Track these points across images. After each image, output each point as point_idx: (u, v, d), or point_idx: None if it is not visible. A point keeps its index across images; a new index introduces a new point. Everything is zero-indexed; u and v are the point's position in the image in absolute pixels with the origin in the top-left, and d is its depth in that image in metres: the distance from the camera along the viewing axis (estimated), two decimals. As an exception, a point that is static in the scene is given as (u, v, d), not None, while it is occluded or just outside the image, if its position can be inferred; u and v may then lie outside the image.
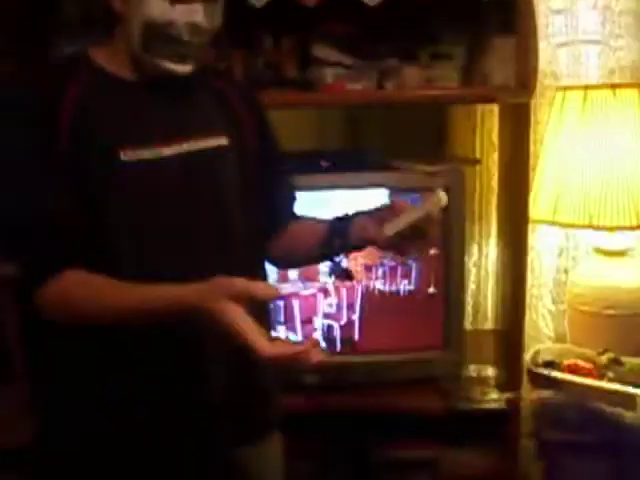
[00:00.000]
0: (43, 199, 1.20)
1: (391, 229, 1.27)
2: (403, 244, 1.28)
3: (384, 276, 2.02)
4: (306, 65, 2.05)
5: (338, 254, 1.48)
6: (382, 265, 2.01)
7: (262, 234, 1.47)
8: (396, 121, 2.27)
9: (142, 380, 1.27)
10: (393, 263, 2.00)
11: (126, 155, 1.21)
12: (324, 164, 1.97)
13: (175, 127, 1.27)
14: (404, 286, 2.03)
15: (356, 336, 2.04)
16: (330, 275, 1.52)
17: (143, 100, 1.27)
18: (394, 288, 2.03)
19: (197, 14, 1.21)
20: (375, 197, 1.87)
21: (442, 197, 1.27)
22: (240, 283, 1.09)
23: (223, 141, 1.34)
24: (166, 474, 1.32)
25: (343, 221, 1.40)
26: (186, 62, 1.25)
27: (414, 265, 2.02)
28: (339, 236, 1.38)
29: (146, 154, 1.23)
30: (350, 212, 1.41)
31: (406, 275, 2.03)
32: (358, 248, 1.45)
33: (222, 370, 1.34)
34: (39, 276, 1.21)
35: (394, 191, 1.93)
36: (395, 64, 2.04)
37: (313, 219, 1.52)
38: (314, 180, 1.89)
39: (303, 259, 1.56)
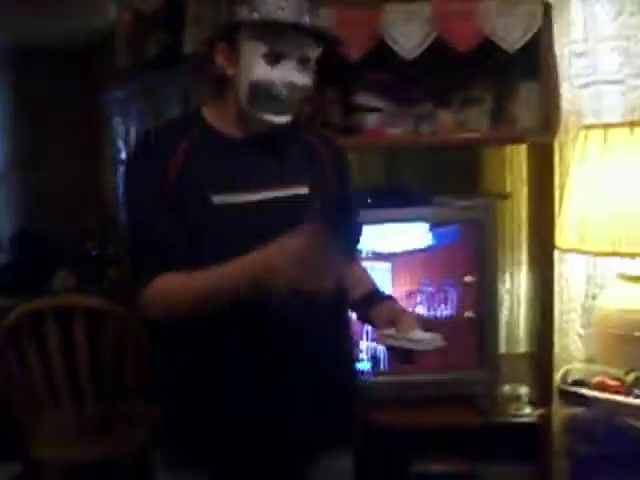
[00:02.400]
0: (152, 223, 1.46)
1: (384, 340, 1.52)
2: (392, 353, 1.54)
3: (423, 302, 2.20)
4: (349, 111, 2.27)
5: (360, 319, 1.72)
6: (422, 292, 2.19)
7: None
8: (432, 161, 2.47)
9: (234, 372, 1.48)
10: (432, 290, 2.18)
11: (217, 199, 1.46)
12: (370, 201, 2.18)
13: (264, 177, 1.50)
14: (441, 311, 2.21)
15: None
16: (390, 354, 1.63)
17: (240, 153, 1.51)
18: (432, 313, 2.20)
19: (292, 75, 1.45)
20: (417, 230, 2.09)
21: (432, 344, 1.49)
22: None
23: (304, 190, 1.55)
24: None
25: (372, 299, 1.63)
26: (282, 114, 1.48)
27: (451, 291, 2.20)
28: (362, 308, 1.64)
29: (234, 199, 1.46)
30: (382, 294, 1.67)
31: (445, 301, 2.21)
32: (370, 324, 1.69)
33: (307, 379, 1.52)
34: (142, 279, 1.45)
35: (432, 224, 2.13)
36: (430, 109, 2.24)
37: (364, 272, 1.75)
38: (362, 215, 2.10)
39: None
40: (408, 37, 2.07)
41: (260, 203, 1.48)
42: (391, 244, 2.15)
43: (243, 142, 1.52)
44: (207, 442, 1.51)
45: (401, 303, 2.13)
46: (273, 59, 1.44)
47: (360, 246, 1.79)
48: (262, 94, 1.45)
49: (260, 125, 1.49)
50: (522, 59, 2.16)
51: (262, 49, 1.43)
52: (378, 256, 2.17)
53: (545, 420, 2.19)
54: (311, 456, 1.58)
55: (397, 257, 2.18)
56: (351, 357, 1.72)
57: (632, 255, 2.16)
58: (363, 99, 2.27)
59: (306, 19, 1.43)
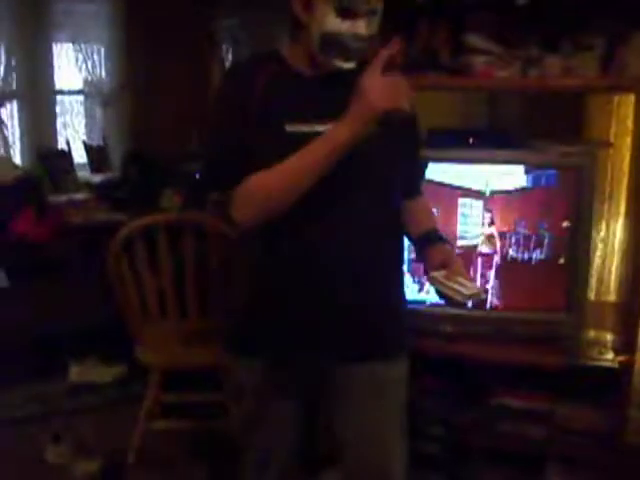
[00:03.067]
0: (232, 141, 1.65)
1: (432, 281, 1.64)
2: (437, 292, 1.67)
3: (517, 244, 2.26)
4: (458, 51, 2.30)
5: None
6: (517, 234, 2.26)
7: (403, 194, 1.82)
8: (538, 105, 2.49)
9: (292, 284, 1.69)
10: (527, 232, 2.24)
11: (290, 127, 1.62)
12: (471, 140, 2.23)
13: (331, 110, 1.61)
14: (536, 255, 2.27)
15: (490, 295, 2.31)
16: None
17: (311, 89, 1.67)
18: (526, 256, 2.27)
19: (360, 27, 1.58)
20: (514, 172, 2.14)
21: (473, 299, 1.61)
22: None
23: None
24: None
25: (428, 240, 1.76)
26: (350, 61, 1.62)
27: (547, 236, 2.25)
28: (419, 247, 1.78)
29: (304, 128, 1.62)
30: (440, 235, 1.78)
31: (539, 245, 2.26)
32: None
33: (355, 288, 1.68)
34: (231, 185, 1.63)
35: (531, 168, 2.17)
36: (538, 53, 2.25)
37: (426, 210, 1.87)
38: (462, 154, 2.17)
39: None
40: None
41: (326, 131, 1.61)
42: (490, 183, 2.22)
43: (314, 79, 1.66)
44: (265, 338, 1.74)
45: (497, 241, 2.25)
46: (342, 13, 1.56)
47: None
48: (331, 43, 1.59)
49: (329, 68, 1.63)
50: (636, 5, 2.13)
51: (333, 3, 1.56)
52: (476, 194, 2.24)
53: (627, 367, 2.24)
54: (362, 360, 1.73)
55: (495, 196, 2.24)
56: (401, 277, 1.85)
57: None
58: (473, 40, 2.30)
59: None
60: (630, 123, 2.49)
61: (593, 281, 2.67)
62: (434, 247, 1.73)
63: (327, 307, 1.68)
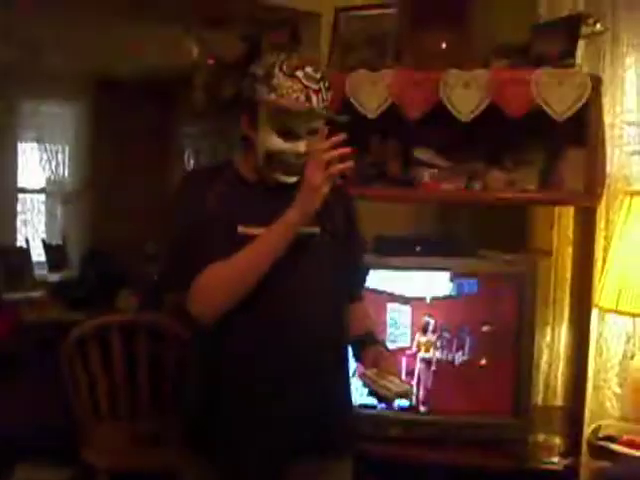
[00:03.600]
0: (189, 242, 1.74)
1: (363, 378, 1.71)
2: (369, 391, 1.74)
3: (466, 347, 2.33)
4: (407, 165, 2.44)
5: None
6: (462, 338, 2.33)
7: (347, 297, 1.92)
8: (483, 216, 2.62)
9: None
10: (472, 336, 2.32)
11: (241, 229, 1.72)
12: (418, 248, 2.34)
13: (276, 217, 1.71)
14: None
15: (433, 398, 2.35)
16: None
17: (260, 196, 1.78)
18: (471, 358, 2.33)
19: (300, 147, 1.70)
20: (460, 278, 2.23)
21: (401, 399, 1.70)
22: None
23: (315, 230, 1.78)
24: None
25: (363, 342, 1.85)
26: (292, 175, 1.74)
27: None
28: (355, 349, 1.88)
29: (254, 231, 1.72)
30: (376, 337, 1.88)
31: (484, 349, 2.33)
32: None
33: (306, 387, 1.74)
34: (186, 281, 1.70)
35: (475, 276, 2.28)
36: (482, 168, 2.40)
37: (365, 315, 1.96)
38: (407, 262, 2.27)
39: None
40: (465, 101, 2.24)
41: None
42: (433, 289, 2.31)
43: (262, 188, 1.79)
44: (220, 437, 1.77)
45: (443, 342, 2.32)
46: (284, 134, 1.69)
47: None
48: (274, 160, 1.72)
49: (273, 181, 1.76)
50: (572, 125, 2.29)
51: (275, 125, 1.69)
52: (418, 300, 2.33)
53: (573, 471, 2.28)
54: (313, 459, 1.77)
55: (438, 301, 2.33)
56: (347, 377, 1.90)
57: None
58: (421, 154, 2.44)
59: (314, 101, 1.68)
60: (570, 233, 2.62)
61: (540, 386, 2.73)
62: (368, 348, 1.82)
63: (279, 406, 1.73)
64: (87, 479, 2.90)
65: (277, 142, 1.70)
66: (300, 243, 1.73)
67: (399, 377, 1.74)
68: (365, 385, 1.71)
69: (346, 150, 1.60)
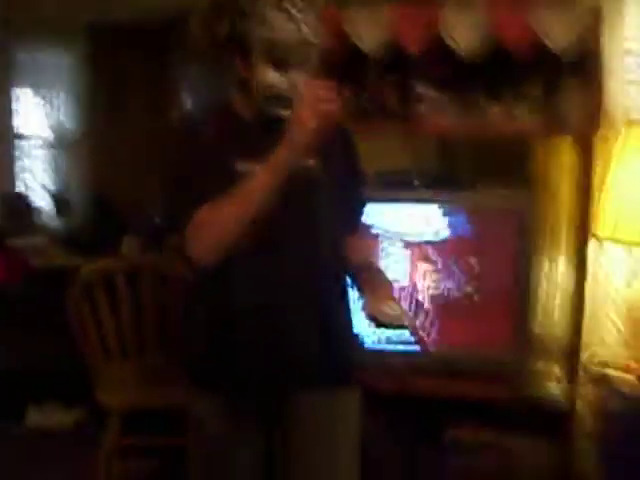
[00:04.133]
0: (189, 179, 1.75)
1: (365, 308, 1.72)
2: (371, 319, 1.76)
3: (466, 279, 2.38)
4: (406, 100, 2.44)
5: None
6: (462, 270, 2.37)
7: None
8: (482, 150, 2.63)
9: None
10: (473, 268, 2.36)
11: (240, 166, 1.73)
12: (416, 182, 2.36)
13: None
14: (480, 290, 2.39)
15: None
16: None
17: (258, 132, 1.77)
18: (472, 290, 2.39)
19: (297, 78, 1.69)
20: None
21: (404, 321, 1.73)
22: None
23: (312, 163, 1.79)
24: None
25: (362, 271, 1.85)
26: (289, 109, 1.69)
27: (489, 273, 2.37)
28: (355, 278, 1.87)
29: (252, 167, 1.71)
30: (372, 264, 1.90)
31: (483, 280, 2.38)
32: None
33: (309, 318, 1.78)
34: (186, 221, 1.71)
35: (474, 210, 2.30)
36: (482, 102, 2.40)
37: (361, 245, 1.96)
38: (406, 194, 2.30)
39: None
40: (465, 37, 2.23)
41: None
42: (434, 224, 2.34)
43: (260, 124, 1.78)
44: (224, 370, 1.81)
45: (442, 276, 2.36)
46: (279, 66, 1.69)
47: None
48: (271, 95, 1.71)
49: (272, 117, 1.74)
50: (571, 58, 2.29)
51: (269, 59, 1.68)
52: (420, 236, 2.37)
53: (570, 397, 2.35)
54: (319, 389, 1.81)
55: (439, 237, 2.36)
56: (349, 308, 1.93)
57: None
58: (419, 89, 2.44)
59: (304, 31, 1.67)
60: (569, 166, 2.63)
61: (539, 316, 2.78)
62: (367, 276, 1.83)
63: (282, 335, 1.77)
64: (100, 420, 2.98)
65: (273, 77, 1.70)
66: (296, 177, 1.72)
67: (398, 303, 1.76)
68: (362, 309, 1.74)
69: (333, 94, 1.57)
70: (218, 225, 1.71)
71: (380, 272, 1.90)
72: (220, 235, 1.71)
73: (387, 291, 1.80)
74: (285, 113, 1.72)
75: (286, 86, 1.70)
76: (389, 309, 1.70)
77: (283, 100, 1.71)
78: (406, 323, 1.73)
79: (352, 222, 1.98)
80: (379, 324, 1.72)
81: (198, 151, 1.75)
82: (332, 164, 1.84)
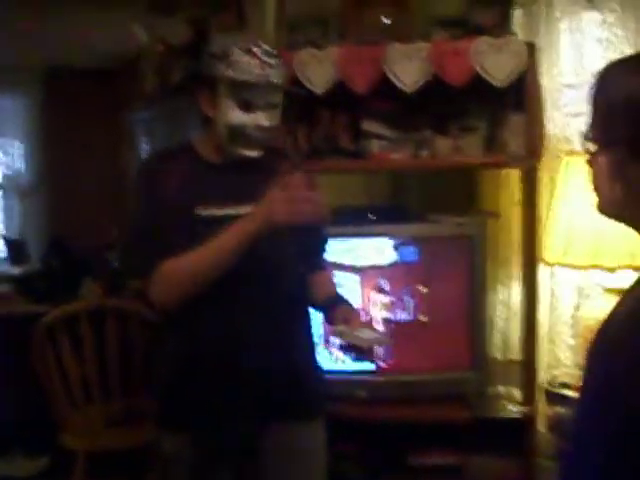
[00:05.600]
0: (151, 225, 1.80)
1: (339, 335, 1.80)
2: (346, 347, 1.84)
3: (425, 307, 2.44)
4: (357, 137, 2.52)
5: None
6: (418, 298, 2.44)
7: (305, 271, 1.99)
8: (432, 182, 2.72)
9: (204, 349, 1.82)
10: (429, 296, 2.42)
11: (202, 211, 1.78)
12: (371, 217, 2.43)
13: (239, 195, 1.81)
14: (438, 317, 2.44)
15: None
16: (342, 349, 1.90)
17: (220, 175, 1.83)
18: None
19: (261, 119, 1.78)
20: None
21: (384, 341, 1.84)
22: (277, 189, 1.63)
23: None
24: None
25: (331, 305, 1.92)
26: (254, 149, 1.81)
27: (447, 300, 2.44)
28: (326, 312, 1.94)
29: (216, 211, 1.79)
30: (342, 297, 1.96)
31: (443, 308, 2.44)
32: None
33: (269, 356, 1.82)
34: (147, 272, 1.76)
35: (427, 240, 2.38)
36: (429, 136, 2.50)
37: (328, 281, 2.06)
38: (362, 229, 2.37)
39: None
40: (408, 73, 2.33)
41: (233, 215, 1.77)
42: (387, 255, 2.41)
43: (223, 166, 1.84)
44: (191, 410, 1.85)
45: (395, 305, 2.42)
46: (244, 107, 1.76)
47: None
48: (236, 134, 1.78)
49: (235, 156, 1.81)
50: (512, 91, 2.40)
51: (235, 99, 1.75)
52: (373, 267, 2.42)
53: (530, 417, 2.41)
54: (286, 422, 1.86)
55: (393, 267, 2.43)
56: (311, 343, 2.00)
57: (611, 269, 2.38)
58: (370, 126, 2.52)
59: (271, 75, 1.75)
60: (516, 195, 2.73)
61: (498, 341, 2.86)
62: (337, 308, 1.89)
63: (249, 370, 1.80)
64: (66, 464, 2.96)
65: (238, 115, 1.76)
66: None
67: (370, 328, 1.85)
68: (340, 338, 1.80)
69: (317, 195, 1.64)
70: (184, 278, 1.75)
71: (348, 302, 1.96)
72: (186, 287, 1.76)
73: (358, 319, 1.85)
74: (249, 153, 1.79)
75: (252, 127, 1.76)
76: (365, 335, 1.76)
77: (248, 140, 1.77)
78: (382, 344, 1.79)
79: (316, 260, 2.04)
80: (356, 349, 1.78)
81: (160, 197, 1.78)
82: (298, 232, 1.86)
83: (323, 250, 2.07)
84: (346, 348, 1.81)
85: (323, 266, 2.07)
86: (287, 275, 1.87)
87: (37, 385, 2.84)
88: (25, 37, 4.48)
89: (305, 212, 1.62)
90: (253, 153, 1.80)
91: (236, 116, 1.76)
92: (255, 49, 1.74)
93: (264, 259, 1.78)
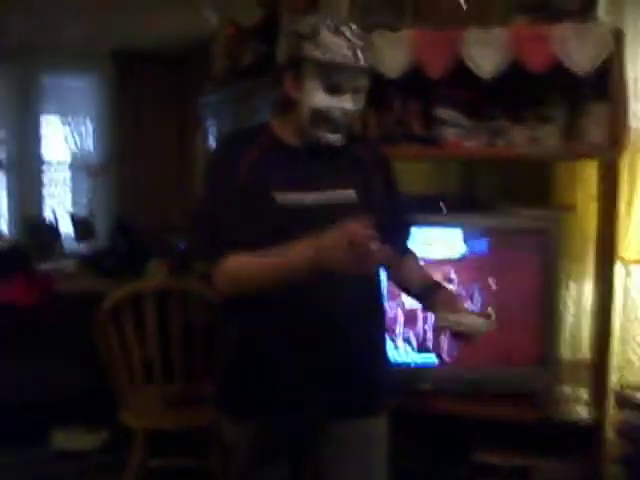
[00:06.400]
0: (220, 213, 1.75)
1: (444, 323, 1.74)
2: (451, 335, 1.78)
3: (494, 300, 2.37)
4: (430, 124, 2.46)
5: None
6: (489, 291, 2.37)
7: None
8: (507, 173, 2.64)
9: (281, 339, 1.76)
10: (499, 289, 2.35)
11: (279, 197, 1.73)
12: (443, 206, 2.37)
13: (318, 181, 1.77)
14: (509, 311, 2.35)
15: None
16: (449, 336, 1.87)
17: (299, 160, 1.79)
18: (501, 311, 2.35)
19: (347, 102, 1.72)
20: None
21: (488, 325, 1.74)
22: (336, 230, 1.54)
23: (351, 194, 1.81)
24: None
25: (431, 290, 1.86)
26: (338, 133, 1.75)
27: (516, 294, 2.35)
28: (425, 299, 1.88)
29: (293, 197, 1.74)
30: (439, 284, 1.90)
31: (512, 301, 2.36)
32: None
33: (341, 349, 1.77)
34: (214, 260, 1.72)
35: (499, 233, 2.30)
36: (505, 125, 2.41)
37: (421, 267, 1.99)
38: (433, 219, 2.30)
39: (403, 289, 2.03)
40: (486, 59, 2.25)
41: (314, 202, 1.74)
42: (458, 247, 2.34)
43: (302, 151, 1.79)
44: (256, 400, 1.80)
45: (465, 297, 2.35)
46: (331, 90, 1.70)
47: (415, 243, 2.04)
48: (320, 117, 1.72)
49: (317, 140, 1.76)
50: (594, 80, 2.30)
51: (322, 81, 1.70)
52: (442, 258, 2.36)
53: (599, 421, 2.32)
54: (349, 418, 1.81)
55: (463, 259, 2.36)
56: (383, 339, 1.95)
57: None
58: (443, 113, 2.45)
59: (360, 58, 1.68)
60: (594, 188, 2.63)
61: (567, 339, 2.77)
62: (436, 294, 1.84)
63: (314, 367, 1.76)
64: (125, 442, 2.99)
65: (324, 99, 1.70)
66: (337, 209, 1.74)
67: (471, 313, 1.81)
68: (447, 325, 1.75)
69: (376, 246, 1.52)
70: (240, 283, 1.71)
71: (446, 288, 1.91)
72: (246, 289, 1.72)
73: (459, 304, 1.81)
74: (333, 138, 1.74)
75: (337, 110, 1.71)
76: (470, 320, 1.72)
77: (332, 124, 1.72)
78: (483, 330, 1.74)
79: (405, 245, 1.98)
80: (462, 336, 1.74)
81: (234, 180, 1.73)
82: (372, 192, 1.84)
83: (409, 236, 2.00)
84: (452, 335, 1.76)
85: (412, 252, 2.00)
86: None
87: (100, 361, 2.87)
88: (96, 20, 4.54)
89: (362, 267, 1.53)
90: (336, 137, 1.75)
91: (321, 99, 1.70)
92: (344, 29, 1.68)
93: None
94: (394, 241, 1.91)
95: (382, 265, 1.73)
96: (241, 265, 1.69)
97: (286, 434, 1.82)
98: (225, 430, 1.89)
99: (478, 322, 1.74)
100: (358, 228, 1.51)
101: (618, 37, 2.24)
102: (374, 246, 1.50)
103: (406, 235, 1.99)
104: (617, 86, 2.26)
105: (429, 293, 1.85)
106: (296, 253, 1.60)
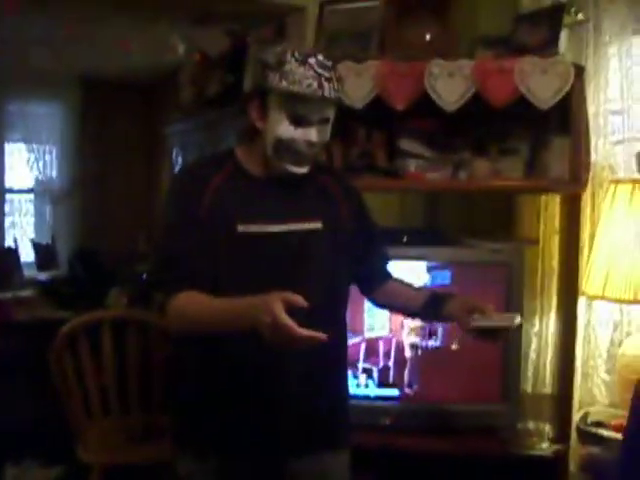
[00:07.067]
0: (179, 245, 1.71)
1: (476, 323, 1.74)
2: (480, 335, 1.77)
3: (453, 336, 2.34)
4: (394, 155, 2.45)
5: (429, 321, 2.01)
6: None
7: (363, 289, 1.97)
8: (470, 205, 2.63)
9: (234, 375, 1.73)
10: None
11: (241, 228, 1.70)
12: (405, 239, 2.35)
13: (282, 212, 1.74)
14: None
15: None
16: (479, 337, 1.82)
17: (263, 190, 1.76)
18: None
19: (312, 134, 1.70)
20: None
21: (519, 319, 1.76)
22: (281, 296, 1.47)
23: (318, 225, 1.78)
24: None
25: (439, 299, 1.85)
26: (302, 165, 1.73)
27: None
28: (433, 309, 1.86)
29: (255, 228, 1.71)
30: (445, 291, 1.90)
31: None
32: (445, 321, 1.95)
33: (304, 384, 1.74)
34: (167, 294, 1.68)
35: (463, 265, 2.28)
36: (468, 157, 2.41)
37: (410, 285, 1.98)
38: (396, 252, 2.28)
39: (399, 311, 2.04)
40: (450, 91, 2.25)
41: (277, 234, 1.72)
42: (419, 280, 2.31)
43: (267, 181, 1.76)
44: (216, 436, 1.76)
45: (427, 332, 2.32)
46: (296, 121, 1.68)
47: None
48: (284, 149, 1.70)
49: (281, 171, 1.74)
50: (556, 114, 2.31)
51: (287, 112, 1.67)
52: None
53: (562, 456, 2.30)
54: (310, 453, 1.79)
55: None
56: (345, 372, 1.93)
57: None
58: (407, 145, 2.45)
59: (326, 89, 1.66)
60: (557, 222, 2.64)
61: (530, 374, 2.76)
62: (449, 302, 1.82)
63: (274, 403, 1.73)
64: (79, 476, 2.90)
65: (288, 130, 1.68)
66: (302, 239, 1.73)
67: (499, 311, 1.80)
68: (480, 329, 1.74)
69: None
70: (186, 324, 1.67)
71: (453, 293, 1.90)
72: (191, 330, 1.68)
73: (479, 303, 1.78)
74: (297, 170, 1.72)
75: (301, 142, 1.69)
76: (501, 318, 1.74)
77: (296, 156, 1.70)
78: (515, 324, 1.72)
79: (382, 270, 1.97)
80: (493, 334, 1.74)
81: (197, 210, 1.69)
82: (340, 222, 1.82)
83: (387, 259, 2.00)
84: (481, 335, 1.76)
85: (391, 275, 1.99)
86: (326, 298, 1.76)
87: (55, 393, 2.78)
88: (64, 46, 4.51)
89: (289, 345, 1.47)
90: (300, 169, 1.72)
91: (286, 130, 1.68)
92: (310, 60, 1.66)
93: (303, 281, 1.69)
94: (374, 267, 1.92)
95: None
96: (191, 303, 1.65)
97: (248, 472, 1.77)
98: (181, 466, 1.83)
99: (508, 317, 1.74)
100: (280, 312, 1.43)
101: (579, 72, 2.26)
102: (298, 333, 1.43)
103: (385, 260, 1.99)
104: (578, 121, 2.27)
105: (435, 304, 1.84)
106: (244, 307, 1.54)
